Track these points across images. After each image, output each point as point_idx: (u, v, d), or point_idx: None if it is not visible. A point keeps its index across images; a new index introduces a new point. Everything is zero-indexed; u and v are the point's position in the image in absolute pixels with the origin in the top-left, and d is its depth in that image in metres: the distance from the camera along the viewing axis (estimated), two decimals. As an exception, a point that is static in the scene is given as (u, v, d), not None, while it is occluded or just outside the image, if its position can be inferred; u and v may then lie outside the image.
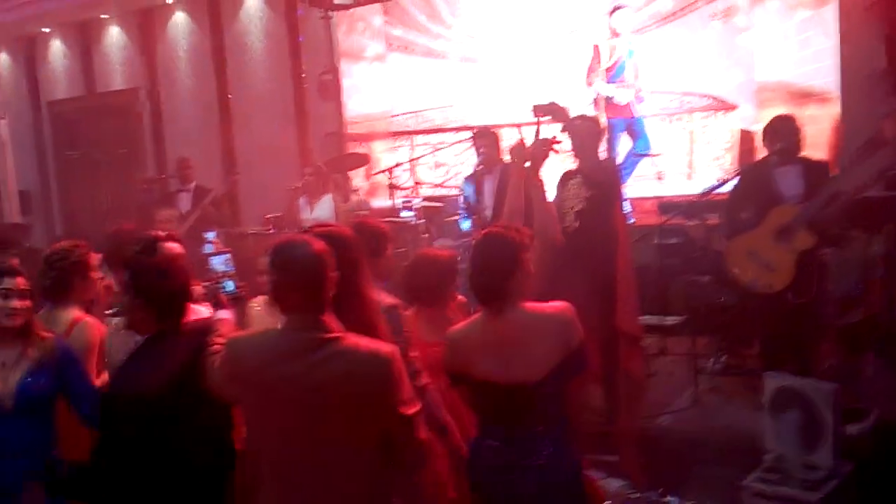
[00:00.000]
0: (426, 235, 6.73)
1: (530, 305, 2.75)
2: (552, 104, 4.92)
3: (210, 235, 3.64)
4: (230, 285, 2.93)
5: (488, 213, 5.50)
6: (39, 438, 3.02)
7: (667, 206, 6.03)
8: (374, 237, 3.14)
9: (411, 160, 7.91)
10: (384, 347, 2.33)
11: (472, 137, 5.84)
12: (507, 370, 2.66)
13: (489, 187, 5.57)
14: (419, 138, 8.49)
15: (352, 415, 2.25)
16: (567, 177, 4.97)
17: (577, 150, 4.75)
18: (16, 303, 3.01)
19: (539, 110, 4.96)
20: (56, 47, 11.42)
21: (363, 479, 2.32)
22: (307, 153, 8.83)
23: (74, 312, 3.38)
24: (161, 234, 3.13)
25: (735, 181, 5.01)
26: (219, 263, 3.25)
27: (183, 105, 10.30)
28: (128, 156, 10.89)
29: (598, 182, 4.67)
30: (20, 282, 3.05)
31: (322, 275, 2.27)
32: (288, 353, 2.25)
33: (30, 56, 11.75)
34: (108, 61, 11.02)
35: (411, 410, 2.36)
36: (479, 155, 5.72)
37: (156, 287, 2.65)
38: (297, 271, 2.26)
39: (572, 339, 2.69)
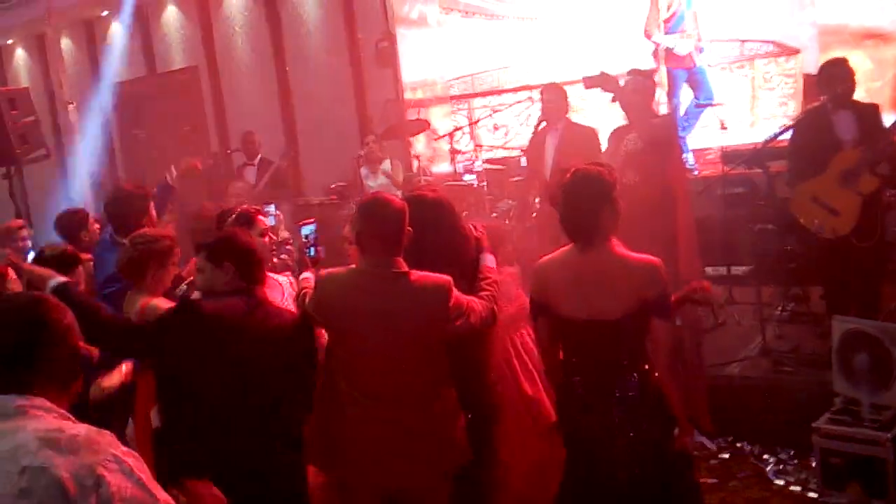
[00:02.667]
0: (489, 197, 6.81)
1: (619, 248, 2.82)
2: (602, 75, 4.96)
3: (270, 208, 3.88)
4: (312, 251, 3.43)
5: (548, 172, 5.53)
6: None
7: (730, 155, 6.00)
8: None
9: (471, 123, 7.97)
10: (440, 279, 2.76)
11: (541, 92, 5.78)
12: (588, 306, 2.78)
13: (551, 143, 5.52)
14: (477, 101, 8.53)
15: (415, 333, 2.75)
16: (621, 133, 5.01)
17: (631, 108, 4.78)
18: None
19: (589, 81, 5.01)
20: (116, 29, 11.68)
21: (426, 388, 2.79)
22: (366, 122, 8.93)
23: (147, 296, 3.42)
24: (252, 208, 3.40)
25: (795, 128, 4.98)
26: (307, 231, 3.45)
27: (242, 80, 10.47)
28: (192, 133, 11.16)
29: (654, 138, 4.71)
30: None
31: (398, 227, 2.78)
32: (365, 285, 2.79)
33: (91, 40, 12.04)
34: (166, 41, 11.24)
35: (463, 321, 2.77)
36: (543, 110, 5.67)
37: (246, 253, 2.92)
38: (378, 221, 2.78)
39: (654, 288, 2.75)
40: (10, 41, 12.86)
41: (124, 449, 1.60)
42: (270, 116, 9.86)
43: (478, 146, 7.60)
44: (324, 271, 3.03)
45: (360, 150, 7.18)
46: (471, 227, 3.21)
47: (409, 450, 2.81)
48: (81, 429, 1.58)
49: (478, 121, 7.95)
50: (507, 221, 6.72)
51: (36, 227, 6.59)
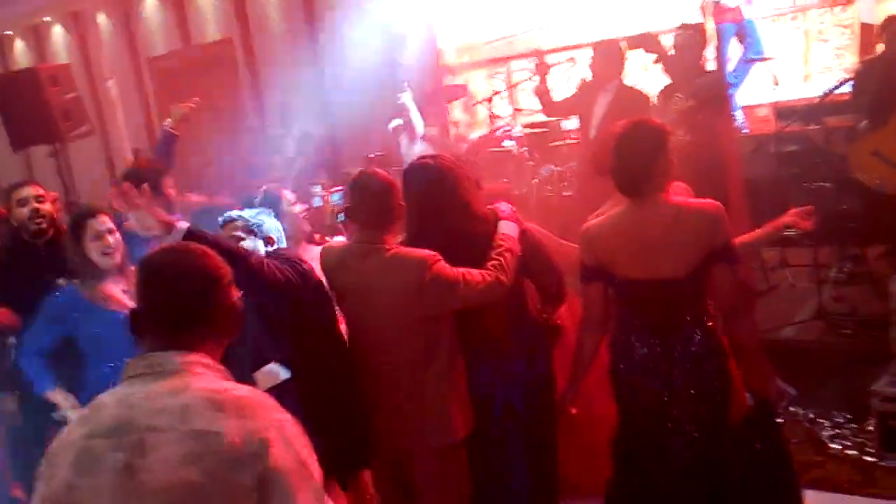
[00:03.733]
0: (531, 163, 6.68)
1: (675, 198, 2.73)
2: (646, 35, 4.78)
3: (317, 188, 3.97)
4: (342, 216, 3.59)
5: (594, 132, 5.36)
6: None
7: (784, 111, 5.79)
8: None
9: (509, 87, 7.81)
10: (423, 254, 2.72)
11: (593, 48, 5.51)
12: (652, 266, 2.69)
13: (602, 103, 5.28)
14: (516, 63, 8.31)
15: (394, 307, 2.74)
16: (669, 91, 4.85)
17: (677, 68, 4.61)
18: (109, 239, 3.21)
19: (633, 41, 4.82)
20: (150, 3, 11.70)
21: (417, 358, 2.76)
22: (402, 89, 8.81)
23: None
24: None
25: (854, 81, 4.76)
26: (337, 198, 3.53)
27: (276, 51, 10.41)
28: (228, 106, 11.16)
29: (703, 96, 4.54)
30: (106, 219, 3.26)
31: (384, 201, 2.79)
32: (350, 259, 2.83)
33: (126, 15, 12.07)
34: (200, 13, 11.23)
35: (451, 295, 2.69)
36: (594, 68, 5.39)
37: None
38: (363, 196, 2.81)
39: (718, 236, 2.66)
40: (47, 18, 12.95)
41: (286, 416, 1.55)
42: (305, 87, 9.79)
43: (517, 110, 7.43)
44: (327, 243, 3.12)
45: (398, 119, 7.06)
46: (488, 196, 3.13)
47: (406, 416, 2.82)
48: (244, 390, 1.56)
49: (516, 84, 7.76)
50: (548, 188, 6.61)
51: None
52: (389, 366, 2.83)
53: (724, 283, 2.68)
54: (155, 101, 12.19)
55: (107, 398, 1.59)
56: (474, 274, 2.74)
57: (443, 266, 2.70)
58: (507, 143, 7.28)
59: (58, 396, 3.10)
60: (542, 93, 5.74)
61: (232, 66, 10.95)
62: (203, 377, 1.57)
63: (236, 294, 1.73)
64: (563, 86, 7.29)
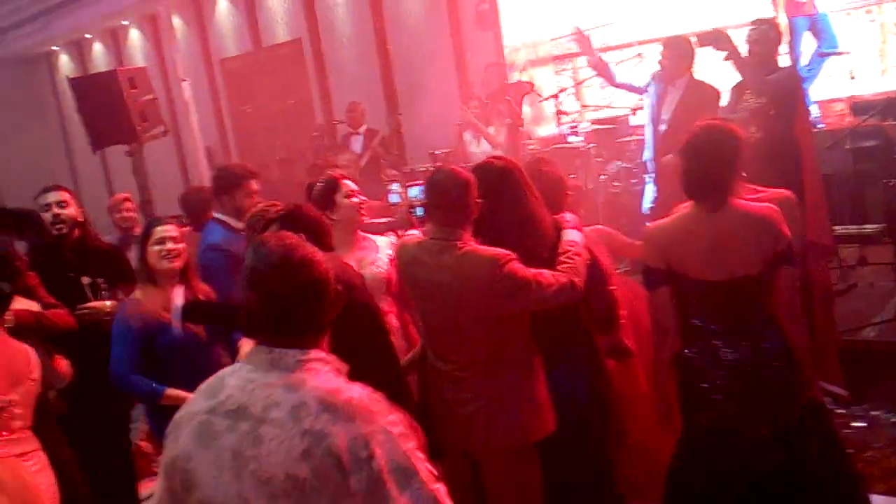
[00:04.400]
0: (599, 159, 6.63)
1: (739, 203, 2.73)
2: (716, 31, 4.70)
3: (395, 186, 4.06)
4: (419, 211, 3.65)
5: (664, 127, 5.28)
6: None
7: (860, 106, 5.62)
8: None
9: (576, 84, 7.77)
10: (496, 252, 2.68)
11: (663, 45, 5.43)
12: (726, 267, 2.68)
13: (671, 100, 5.22)
14: (582, 60, 8.25)
15: (467, 306, 2.71)
16: (741, 88, 4.76)
17: (748, 66, 4.52)
18: (172, 246, 3.33)
19: (703, 38, 4.74)
20: (222, 6, 11.99)
21: (492, 358, 2.74)
22: (467, 86, 8.86)
23: None
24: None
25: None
26: (415, 192, 3.55)
27: (343, 51, 10.56)
28: (297, 105, 11.37)
29: (776, 92, 4.44)
30: (172, 228, 3.39)
31: (459, 198, 2.75)
32: (425, 255, 2.80)
33: (199, 18, 12.40)
34: (270, 15, 11.45)
35: (525, 295, 2.66)
36: (663, 64, 5.32)
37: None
38: (439, 192, 2.78)
39: (781, 239, 2.68)
40: (125, 22, 13.39)
41: (393, 417, 1.59)
42: (372, 85, 9.92)
43: (584, 107, 7.38)
44: (403, 238, 3.09)
45: (463, 116, 7.10)
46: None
47: (476, 416, 2.79)
48: (355, 392, 1.59)
49: (583, 81, 7.72)
50: (616, 184, 6.55)
51: (155, 203, 6.87)
52: (459, 364, 2.81)
53: (787, 284, 2.71)
54: (226, 101, 12.49)
55: (230, 377, 1.67)
56: (547, 275, 2.72)
57: (516, 265, 2.68)
58: (574, 140, 7.24)
59: (177, 393, 3.12)
60: (597, 64, 5.68)
61: (301, 66, 11.15)
62: (319, 375, 1.62)
63: (337, 292, 1.75)
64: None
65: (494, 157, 3.07)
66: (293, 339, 1.65)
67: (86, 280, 3.93)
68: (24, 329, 3.19)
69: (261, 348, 1.67)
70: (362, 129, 8.24)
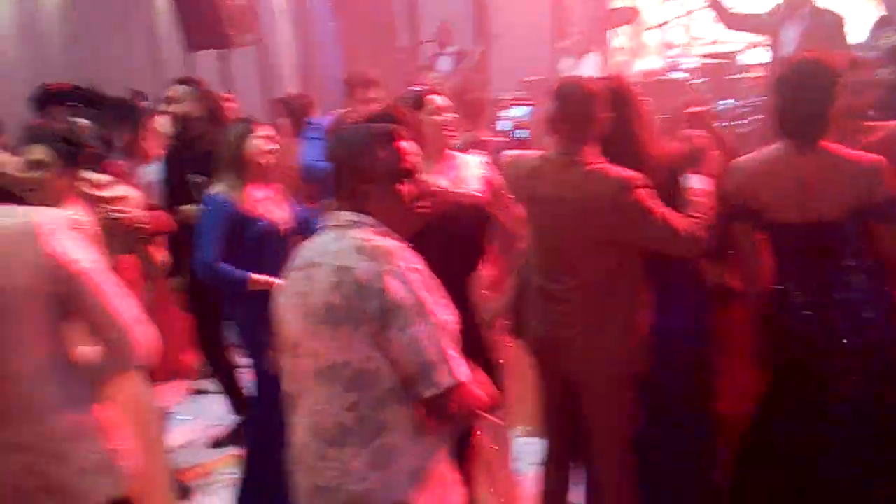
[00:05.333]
0: (708, 96, 6.28)
1: (833, 146, 2.57)
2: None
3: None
4: (523, 132, 3.64)
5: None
6: None
7: None
8: None
9: (684, 14, 7.36)
10: (627, 174, 2.53)
11: None
12: (810, 210, 2.55)
13: (793, 32, 4.88)
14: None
15: (585, 225, 2.60)
16: (883, 23, 4.41)
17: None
18: (273, 146, 3.39)
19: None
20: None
21: (599, 282, 2.65)
22: (563, 12, 8.50)
23: None
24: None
25: None
26: (520, 112, 3.40)
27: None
28: (383, 24, 11.14)
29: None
30: (272, 130, 3.45)
31: (585, 111, 2.60)
32: (545, 169, 2.69)
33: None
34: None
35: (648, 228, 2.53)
36: None
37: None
38: (564, 105, 2.63)
39: (878, 189, 2.50)
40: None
41: (416, 265, 1.87)
42: (462, 5, 9.61)
43: (693, 39, 7.00)
44: (516, 152, 3.03)
45: (563, 41, 6.81)
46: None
47: (579, 339, 2.70)
48: (386, 242, 1.89)
49: (692, 11, 7.30)
50: (724, 124, 6.21)
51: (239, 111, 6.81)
52: (567, 286, 2.71)
53: (885, 239, 2.56)
54: (315, 17, 12.31)
55: (307, 242, 2.04)
56: (677, 218, 2.57)
57: (646, 192, 2.54)
58: (675, 75, 6.88)
59: (260, 279, 3.18)
60: (717, 4, 5.36)
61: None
62: (362, 230, 1.91)
63: (402, 157, 1.96)
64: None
65: (610, 77, 2.89)
66: (348, 202, 1.96)
67: (197, 178, 3.85)
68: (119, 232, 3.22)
69: (328, 215, 1.99)
70: (452, 49, 8.01)
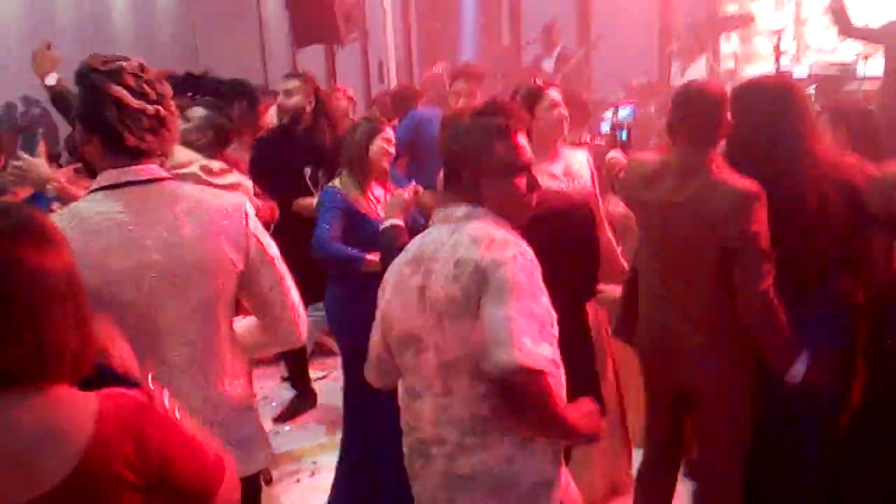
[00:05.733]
0: (816, 107, 6.10)
1: None
2: None
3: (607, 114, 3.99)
4: (624, 134, 3.63)
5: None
6: None
7: None
8: None
9: (798, 22, 7.16)
10: (749, 186, 2.47)
11: None
12: None
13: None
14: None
15: (704, 230, 2.53)
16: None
17: None
18: (392, 149, 3.51)
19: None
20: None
21: (711, 290, 2.57)
22: (670, 16, 8.36)
23: None
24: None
25: None
26: (624, 113, 3.43)
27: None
28: (485, 25, 11.17)
29: None
30: (389, 129, 3.56)
31: (710, 115, 2.56)
32: (664, 173, 2.64)
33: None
34: (470, -70, 11.22)
35: (753, 246, 2.46)
36: None
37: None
38: (686, 108, 2.59)
39: None
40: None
41: (529, 256, 1.89)
42: (565, 6, 9.55)
43: (805, 47, 6.79)
44: (635, 154, 3.01)
45: (671, 45, 6.72)
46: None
47: (696, 352, 2.64)
48: (500, 233, 1.92)
49: (806, 19, 7.10)
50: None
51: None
52: (686, 293, 2.65)
53: None
54: (416, 15, 12.46)
55: (417, 238, 2.06)
56: (768, 248, 2.48)
57: (761, 208, 2.46)
58: (786, 83, 6.68)
59: (374, 260, 3.23)
60: (838, 8, 5.18)
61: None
62: (477, 222, 1.94)
63: (519, 151, 2.00)
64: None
65: (770, 76, 2.79)
66: (462, 195, 2.00)
67: (307, 171, 3.98)
68: None
69: (439, 210, 2.03)
70: (556, 51, 8.00)
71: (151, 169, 1.90)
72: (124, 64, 1.87)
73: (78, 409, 1.24)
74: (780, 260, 2.52)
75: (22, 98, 13.31)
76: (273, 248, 2.04)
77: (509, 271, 1.82)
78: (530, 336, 1.76)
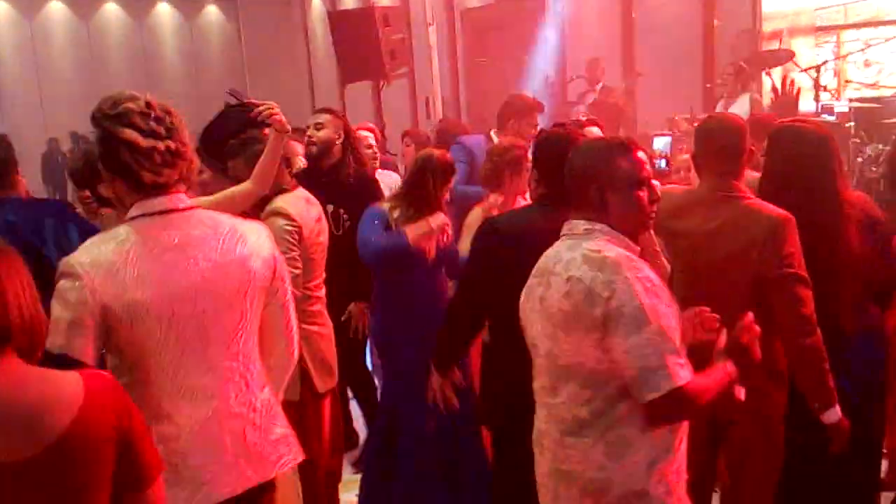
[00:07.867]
0: (855, 141, 6.13)
1: None
2: None
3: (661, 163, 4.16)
4: (663, 163, 3.79)
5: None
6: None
7: None
8: None
9: (837, 58, 7.20)
10: (782, 213, 2.53)
11: None
12: None
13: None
14: (847, 34, 7.64)
15: (737, 259, 2.58)
16: None
17: None
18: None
19: None
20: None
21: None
22: (712, 52, 8.44)
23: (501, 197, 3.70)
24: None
25: None
26: (661, 144, 3.57)
27: (584, 6, 10.38)
28: (528, 60, 11.33)
29: None
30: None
31: (733, 146, 2.67)
32: (692, 206, 2.73)
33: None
34: (515, -32, 11.43)
35: (792, 271, 2.50)
36: None
37: None
38: (711, 141, 2.72)
39: None
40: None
41: (641, 274, 1.97)
42: (609, 42, 9.67)
43: (846, 82, 6.82)
44: (665, 186, 3.06)
45: (716, 80, 6.79)
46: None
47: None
48: (613, 252, 2.02)
49: (846, 55, 7.13)
50: (873, 168, 6.04)
51: (388, 140, 7.18)
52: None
53: None
54: (463, 51, 12.69)
55: (549, 249, 2.17)
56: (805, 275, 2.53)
57: (794, 233, 2.52)
58: (826, 118, 6.73)
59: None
60: None
61: (539, 21, 11.03)
62: (595, 240, 2.05)
63: (640, 166, 2.09)
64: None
65: (804, 120, 2.91)
66: (585, 212, 2.11)
67: (329, 208, 3.91)
68: None
69: (568, 223, 2.15)
70: (599, 86, 8.13)
71: (180, 198, 2.07)
72: (131, 105, 1.97)
73: (67, 380, 1.46)
74: (817, 294, 2.55)
75: (70, 134, 13.81)
76: (286, 268, 2.30)
77: (620, 297, 1.92)
78: (670, 353, 1.91)
